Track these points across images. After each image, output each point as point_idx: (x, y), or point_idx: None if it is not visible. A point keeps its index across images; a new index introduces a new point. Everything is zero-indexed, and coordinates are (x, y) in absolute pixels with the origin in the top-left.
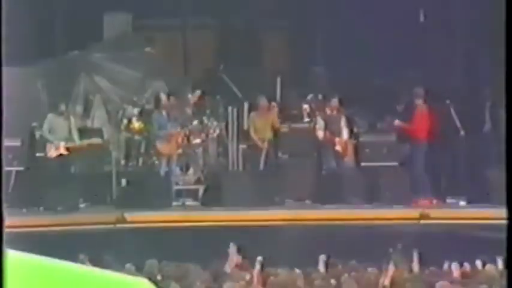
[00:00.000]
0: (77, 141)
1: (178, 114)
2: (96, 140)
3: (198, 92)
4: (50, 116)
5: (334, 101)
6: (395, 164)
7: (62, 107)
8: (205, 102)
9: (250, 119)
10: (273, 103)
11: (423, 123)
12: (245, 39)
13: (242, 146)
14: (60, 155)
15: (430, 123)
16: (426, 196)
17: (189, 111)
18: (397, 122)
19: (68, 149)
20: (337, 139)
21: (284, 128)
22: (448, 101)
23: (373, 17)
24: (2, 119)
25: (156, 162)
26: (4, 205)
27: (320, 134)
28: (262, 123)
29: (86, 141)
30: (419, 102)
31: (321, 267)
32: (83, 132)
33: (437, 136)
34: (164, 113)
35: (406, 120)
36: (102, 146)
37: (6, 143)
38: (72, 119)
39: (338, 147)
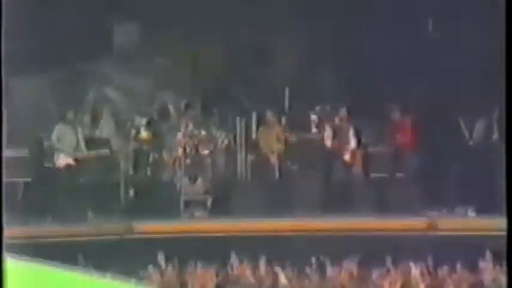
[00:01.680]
0: (85, 151)
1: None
2: (104, 151)
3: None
4: (58, 125)
5: (343, 111)
6: (404, 174)
7: (70, 116)
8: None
9: (259, 133)
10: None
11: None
12: (254, 49)
13: (250, 157)
14: (69, 165)
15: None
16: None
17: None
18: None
19: (76, 159)
20: (345, 148)
21: (292, 139)
22: (456, 111)
23: (382, 27)
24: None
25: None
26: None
27: (328, 143)
28: (269, 137)
29: (93, 152)
30: (395, 117)
31: (329, 274)
32: (91, 143)
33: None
34: (171, 124)
35: (416, 130)
36: (109, 157)
37: (14, 153)
38: (79, 128)
39: (347, 157)
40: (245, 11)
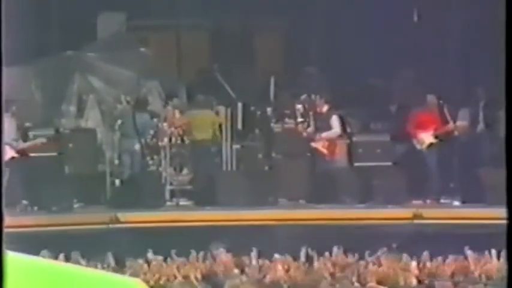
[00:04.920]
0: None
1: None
2: (40, 140)
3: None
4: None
5: (325, 100)
6: (388, 164)
7: (14, 108)
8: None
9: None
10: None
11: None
12: (239, 39)
13: (236, 146)
14: (13, 157)
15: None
16: (420, 196)
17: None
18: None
19: (19, 151)
20: (318, 139)
21: (278, 128)
22: (441, 101)
23: (367, 17)
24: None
25: (150, 162)
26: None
27: (309, 132)
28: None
29: (29, 143)
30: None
31: (315, 265)
32: (77, 132)
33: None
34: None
35: (400, 120)
36: (47, 146)
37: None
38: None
39: (322, 149)
40: (230, 1)
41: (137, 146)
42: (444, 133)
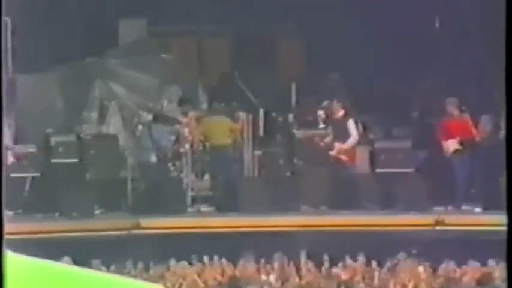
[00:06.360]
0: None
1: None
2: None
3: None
4: None
5: (343, 106)
6: (410, 170)
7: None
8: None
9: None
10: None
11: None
12: (260, 45)
13: (257, 152)
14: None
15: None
16: (441, 203)
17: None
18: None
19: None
20: (336, 146)
21: (299, 135)
22: (463, 108)
23: (389, 23)
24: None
25: (172, 168)
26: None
27: (329, 139)
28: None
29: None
30: (453, 111)
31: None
32: (98, 138)
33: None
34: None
35: (422, 126)
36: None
37: (22, 149)
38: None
39: (342, 156)
40: (252, 6)
41: (153, 158)
42: (469, 139)
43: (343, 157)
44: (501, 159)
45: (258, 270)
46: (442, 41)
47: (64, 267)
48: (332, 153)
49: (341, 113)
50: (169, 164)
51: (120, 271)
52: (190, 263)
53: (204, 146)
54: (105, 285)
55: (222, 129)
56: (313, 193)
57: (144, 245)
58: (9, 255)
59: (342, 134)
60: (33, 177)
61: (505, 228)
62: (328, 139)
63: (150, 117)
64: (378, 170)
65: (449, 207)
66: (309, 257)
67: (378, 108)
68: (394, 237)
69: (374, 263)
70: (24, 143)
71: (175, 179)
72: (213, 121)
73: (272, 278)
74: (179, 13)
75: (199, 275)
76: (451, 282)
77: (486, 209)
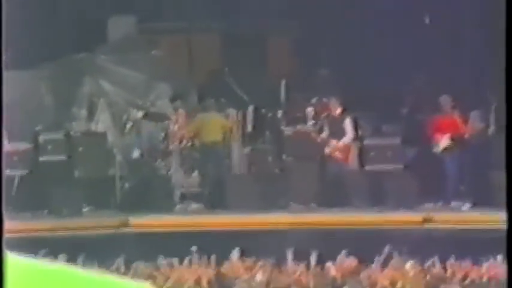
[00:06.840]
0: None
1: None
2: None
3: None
4: None
5: (338, 103)
6: (400, 167)
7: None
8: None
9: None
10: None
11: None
12: (250, 42)
13: (246, 149)
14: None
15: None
16: (431, 199)
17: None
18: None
19: None
20: (333, 143)
21: (288, 131)
22: (453, 104)
23: (379, 20)
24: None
25: (161, 165)
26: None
27: (322, 136)
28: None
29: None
30: (447, 109)
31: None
32: (87, 136)
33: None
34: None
35: (412, 123)
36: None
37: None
38: None
39: (337, 155)
40: (241, 3)
41: (142, 156)
42: (459, 136)
43: (337, 154)
44: (490, 156)
45: (246, 268)
46: (433, 38)
47: (64, 267)
48: (328, 150)
49: (338, 110)
50: (158, 161)
51: (109, 269)
52: (179, 261)
53: (193, 143)
54: (105, 285)
55: (213, 126)
56: (302, 190)
57: (132, 242)
58: (9, 256)
59: (338, 132)
60: (21, 175)
61: (502, 226)
62: (323, 135)
63: (139, 114)
64: (367, 167)
65: (439, 204)
66: (298, 254)
67: (367, 104)
68: (384, 234)
69: (363, 260)
70: (14, 140)
71: (164, 176)
72: (205, 118)
73: (260, 275)
74: (169, 10)
75: (187, 273)
76: (439, 280)
77: (475, 205)
